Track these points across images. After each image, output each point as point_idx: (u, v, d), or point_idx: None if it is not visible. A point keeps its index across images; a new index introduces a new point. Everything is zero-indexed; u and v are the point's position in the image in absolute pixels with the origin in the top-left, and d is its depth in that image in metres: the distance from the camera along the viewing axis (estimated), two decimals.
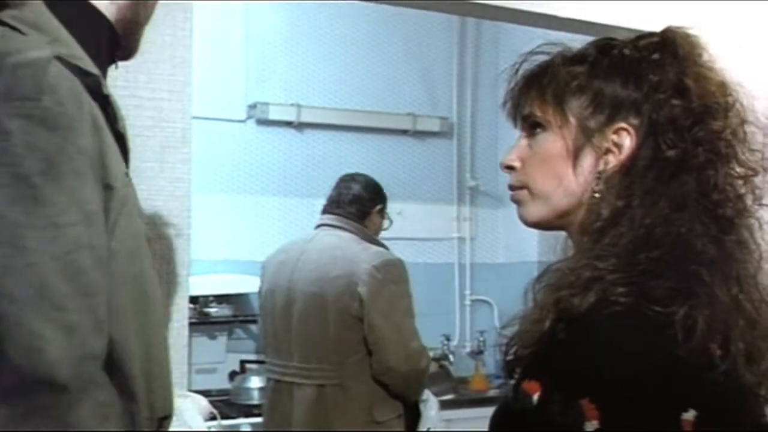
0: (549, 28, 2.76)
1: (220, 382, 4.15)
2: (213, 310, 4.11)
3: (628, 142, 1.13)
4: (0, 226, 0.87)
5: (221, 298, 4.21)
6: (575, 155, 1.16)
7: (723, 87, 1.15)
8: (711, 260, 1.06)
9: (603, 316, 1.01)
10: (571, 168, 1.16)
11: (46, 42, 1.00)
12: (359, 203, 3.38)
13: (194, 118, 2.67)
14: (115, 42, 1.18)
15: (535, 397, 1.01)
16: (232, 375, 4.23)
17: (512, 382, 1.07)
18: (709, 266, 1.05)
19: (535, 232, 1.18)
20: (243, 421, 3.80)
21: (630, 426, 0.99)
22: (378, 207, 3.43)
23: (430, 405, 3.33)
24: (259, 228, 4.48)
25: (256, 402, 3.93)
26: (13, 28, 0.99)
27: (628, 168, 1.12)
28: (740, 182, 1.13)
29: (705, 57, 1.16)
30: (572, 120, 1.16)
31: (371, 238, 3.35)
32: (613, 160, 1.14)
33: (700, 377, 1.02)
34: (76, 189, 0.93)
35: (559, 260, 1.15)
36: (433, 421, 3.33)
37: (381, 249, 3.29)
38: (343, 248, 3.27)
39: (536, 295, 1.10)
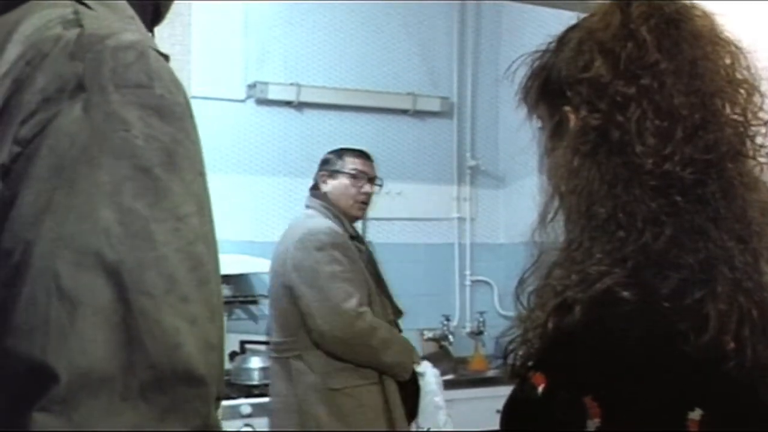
0: (550, 6, 2.75)
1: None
2: None
3: (572, 124, 1.10)
4: (129, 219, 0.85)
5: (222, 279, 4.20)
6: (549, 147, 1.16)
7: (667, 44, 1.08)
8: (702, 238, 1.02)
9: (610, 314, 0.99)
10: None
11: (125, 22, 0.96)
12: (316, 179, 3.51)
13: (193, 97, 2.65)
14: (157, 12, 1.13)
15: (540, 389, 1.00)
16: (232, 355, 4.23)
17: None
18: (705, 247, 1.01)
19: (535, 212, 1.16)
20: (243, 402, 3.80)
21: (633, 426, 0.97)
22: (321, 172, 3.50)
23: (428, 378, 3.31)
24: (258, 208, 4.48)
25: (256, 382, 3.94)
26: (80, 2, 0.94)
27: (574, 151, 1.09)
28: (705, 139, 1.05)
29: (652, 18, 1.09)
30: (543, 114, 1.18)
31: (335, 212, 3.40)
32: (563, 146, 1.11)
33: (710, 374, 0.99)
34: (190, 179, 0.92)
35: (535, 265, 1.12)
36: (435, 393, 3.30)
37: (318, 221, 3.35)
38: (298, 225, 3.43)
39: (530, 297, 1.08)
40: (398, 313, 3.52)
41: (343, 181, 3.42)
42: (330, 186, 3.43)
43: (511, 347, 1.08)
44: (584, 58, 1.10)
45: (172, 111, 0.91)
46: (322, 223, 3.33)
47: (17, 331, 0.83)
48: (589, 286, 1.00)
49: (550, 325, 1.02)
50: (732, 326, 0.99)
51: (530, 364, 1.04)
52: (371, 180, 3.46)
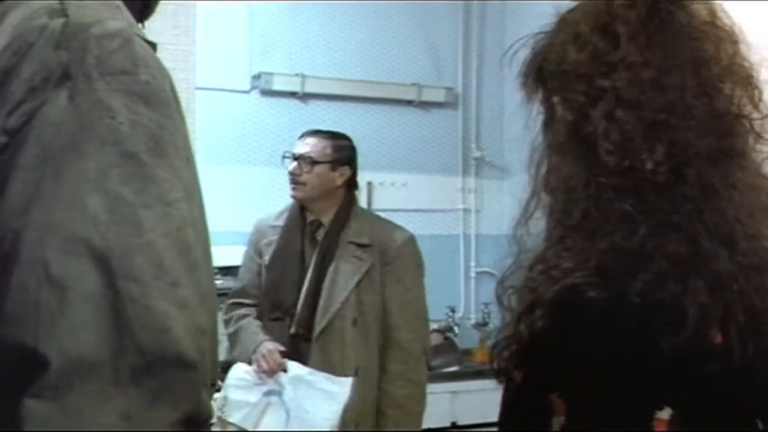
0: None
1: (225, 353, 4.15)
2: (218, 282, 4.09)
3: (559, 115, 1.09)
4: (116, 206, 0.85)
5: (226, 270, 4.20)
6: (539, 140, 1.15)
7: (653, 34, 1.06)
8: (675, 235, 0.99)
9: (573, 312, 0.98)
10: None
11: (111, 11, 0.96)
12: None
13: (198, 88, 2.66)
14: (146, 5, 1.13)
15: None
16: None
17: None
18: (682, 242, 0.99)
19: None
20: None
21: (596, 424, 0.95)
22: None
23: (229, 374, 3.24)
24: (263, 199, 4.47)
25: None
26: None
27: (552, 147, 1.08)
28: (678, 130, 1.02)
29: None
30: (541, 101, 1.16)
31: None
32: (551, 138, 1.10)
33: (686, 372, 0.96)
34: (177, 165, 0.92)
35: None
36: (226, 388, 3.22)
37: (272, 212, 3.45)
38: None
39: (510, 296, 1.08)
40: (301, 327, 3.20)
41: None
42: None
43: (496, 350, 1.08)
44: (562, 50, 1.09)
45: (157, 97, 0.91)
46: (263, 216, 3.45)
47: (8, 319, 0.83)
48: (555, 284, 0.99)
49: (522, 324, 1.01)
50: (716, 319, 0.96)
51: (513, 362, 1.04)
52: (296, 159, 3.27)
